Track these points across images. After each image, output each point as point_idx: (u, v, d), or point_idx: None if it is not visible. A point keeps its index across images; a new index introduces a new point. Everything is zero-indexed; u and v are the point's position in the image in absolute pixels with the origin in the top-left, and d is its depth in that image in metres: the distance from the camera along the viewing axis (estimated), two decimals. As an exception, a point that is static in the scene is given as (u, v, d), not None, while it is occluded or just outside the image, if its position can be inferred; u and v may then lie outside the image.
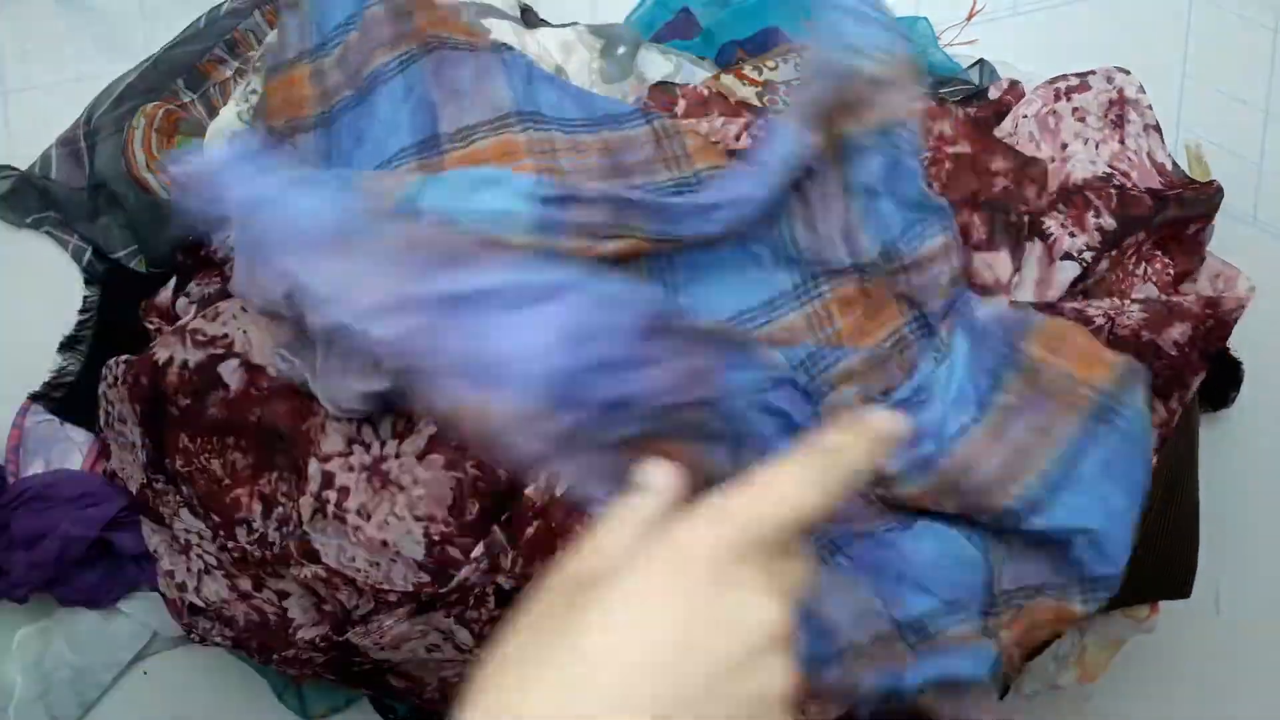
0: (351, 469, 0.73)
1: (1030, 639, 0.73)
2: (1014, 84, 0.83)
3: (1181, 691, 0.99)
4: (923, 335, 0.70)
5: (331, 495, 0.73)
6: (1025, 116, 0.79)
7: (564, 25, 0.91)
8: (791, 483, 0.33)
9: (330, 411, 0.71)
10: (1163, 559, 0.77)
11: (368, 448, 0.73)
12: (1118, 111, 0.79)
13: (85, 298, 0.97)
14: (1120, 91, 0.79)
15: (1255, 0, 1.05)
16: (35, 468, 0.91)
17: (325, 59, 0.77)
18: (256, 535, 0.77)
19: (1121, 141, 0.78)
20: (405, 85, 0.73)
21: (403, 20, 0.75)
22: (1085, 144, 0.78)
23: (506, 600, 0.69)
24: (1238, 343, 0.94)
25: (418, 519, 0.72)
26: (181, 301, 0.86)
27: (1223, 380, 0.96)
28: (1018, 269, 0.73)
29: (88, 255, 0.97)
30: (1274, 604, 1.00)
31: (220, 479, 0.77)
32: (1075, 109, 0.78)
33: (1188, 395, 0.74)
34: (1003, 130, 0.80)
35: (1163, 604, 0.84)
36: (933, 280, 0.69)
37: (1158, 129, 0.79)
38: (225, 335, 0.78)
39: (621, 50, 0.86)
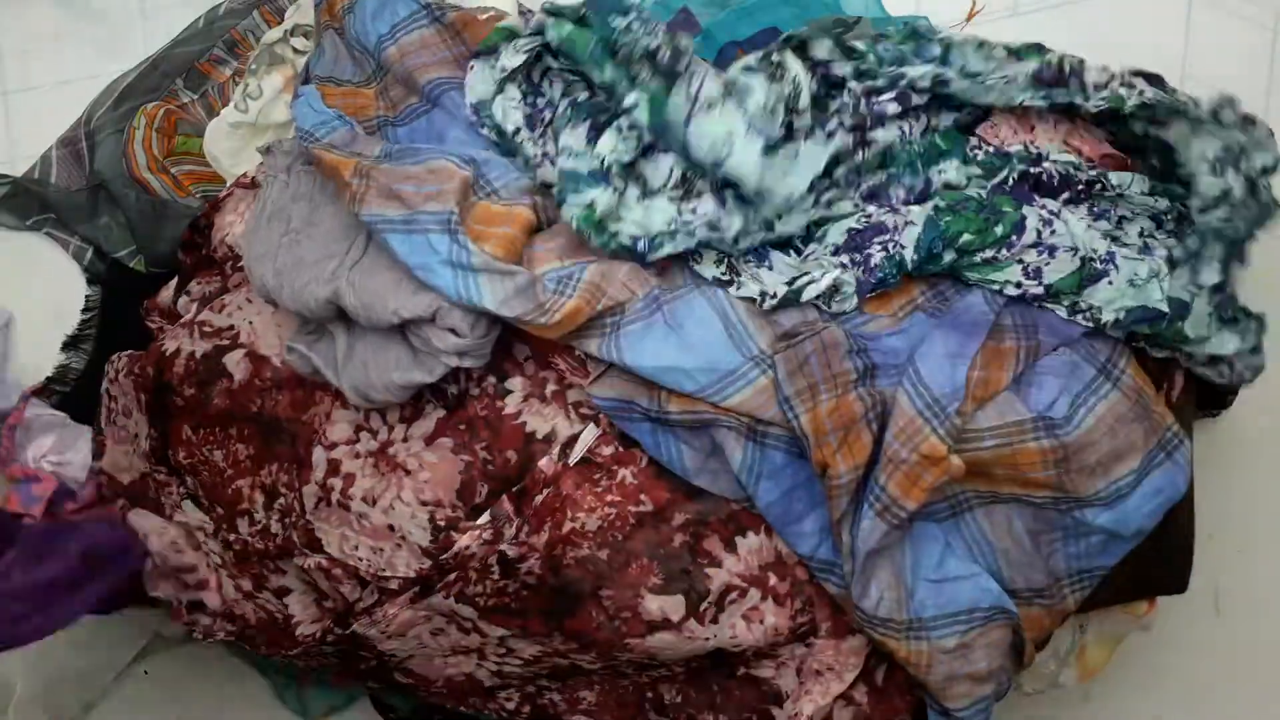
0: (358, 455, 0.73)
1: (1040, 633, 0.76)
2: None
3: (1181, 691, 0.99)
4: (936, 301, 0.74)
5: (336, 483, 0.73)
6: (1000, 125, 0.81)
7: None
8: None
9: (355, 403, 0.72)
10: (1159, 554, 0.77)
11: (375, 434, 0.74)
12: None
13: (88, 297, 0.97)
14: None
15: (1255, 0, 1.05)
16: (44, 444, 0.90)
17: (388, 77, 0.83)
18: (259, 526, 0.77)
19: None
20: None
21: (455, 41, 0.81)
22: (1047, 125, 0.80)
23: (510, 571, 0.70)
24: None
25: (424, 504, 0.72)
26: (183, 300, 0.87)
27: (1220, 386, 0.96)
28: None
29: (89, 255, 0.97)
30: (1274, 604, 1.00)
31: (222, 470, 0.78)
32: None
33: (1173, 392, 0.76)
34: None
35: (1162, 605, 0.84)
36: None
37: None
38: (231, 327, 0.79)
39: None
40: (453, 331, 0.68)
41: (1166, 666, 0.98)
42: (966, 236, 0.71)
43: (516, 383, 0.73)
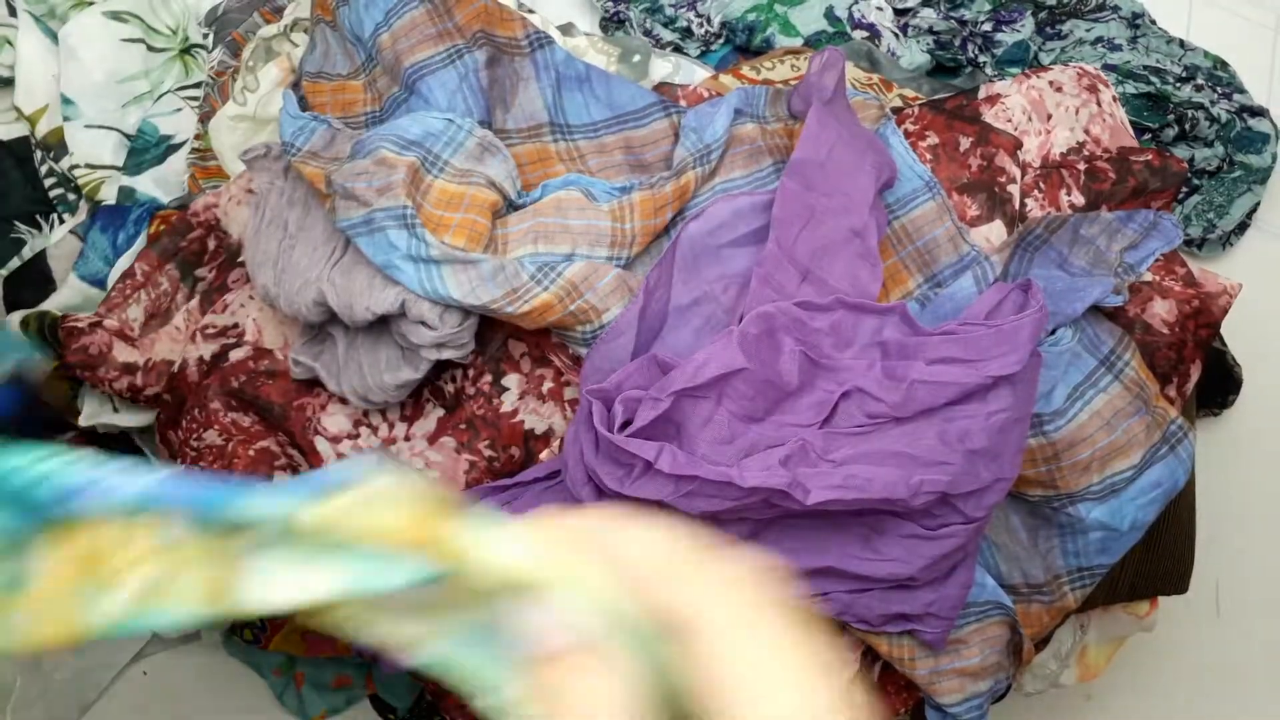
0: (361, 450, 0.74)
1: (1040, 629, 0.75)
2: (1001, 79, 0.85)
3: (1181, 691, 0.99)
4: (934, 291, 0.75)
5: None
6: (1009, 95, 0.81)
7: (564, 27, 0.91)
8: None
9: (358, 406, 0.72)
10: (1161, 555, 0.77)
11: (375, 430, 0.74)
12: (1089, 81, 0.83)
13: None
14: (1080, 68, 0.83)
15: (1255, 0, 1.05)
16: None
17: (376, 68, 0.82)
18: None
19: (1099, 104, 0.82)
20: (458, 75, 0.78)
21: (444, 18, 0.79)
22: (1066, 111, 0.81)
23: None
24: (1236, 342, 0.94)
25: None
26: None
27: (1221, 385, 0.96)
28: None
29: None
30: (1274, 604, 1.00)
31: (222, 448, 0.76)
32: (1051, 81, 0.82)
33: (1187, 385, 0.75)
34: (990, 116, 0.81)
35: (1163, 605, 0.84)
36: (932, 241, 0.76)
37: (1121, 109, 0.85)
38: (236, 325, 0.79)
39: (637, 59, 0.92)
40: (424, 324, 0.67)
41: (1167, 667, 0.98)
42: None
43: (513, 380, 0.73)
